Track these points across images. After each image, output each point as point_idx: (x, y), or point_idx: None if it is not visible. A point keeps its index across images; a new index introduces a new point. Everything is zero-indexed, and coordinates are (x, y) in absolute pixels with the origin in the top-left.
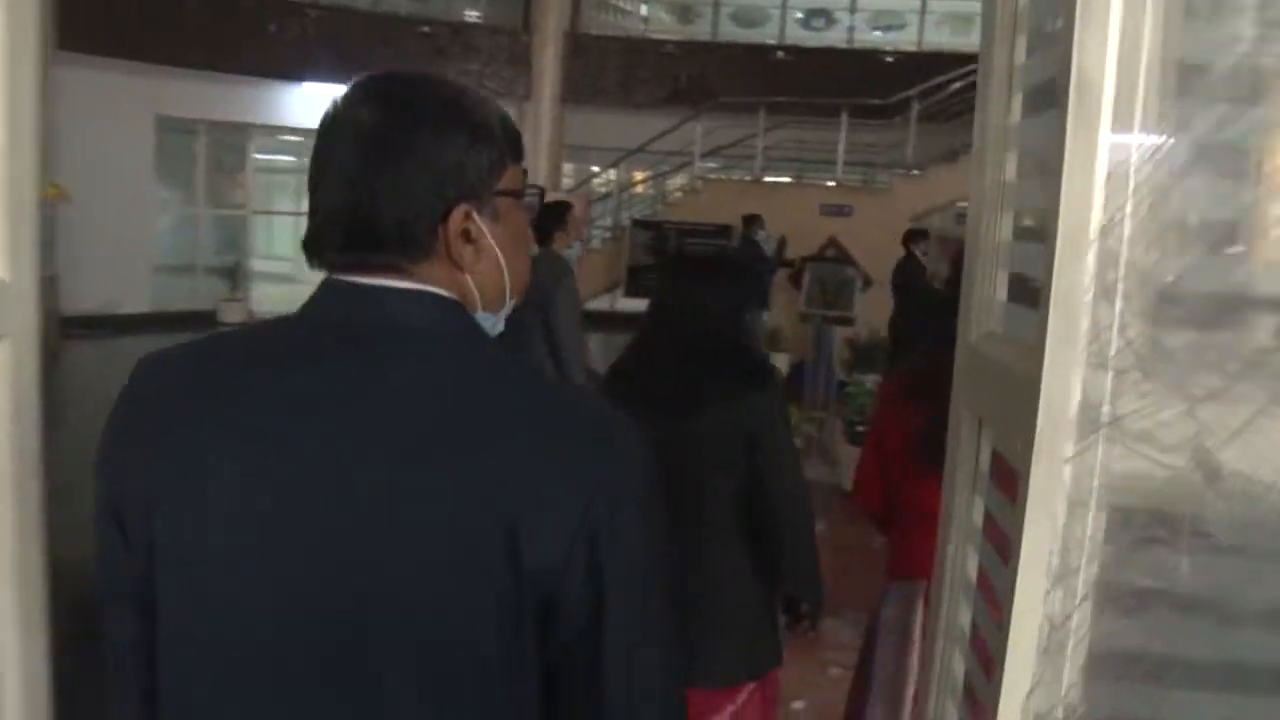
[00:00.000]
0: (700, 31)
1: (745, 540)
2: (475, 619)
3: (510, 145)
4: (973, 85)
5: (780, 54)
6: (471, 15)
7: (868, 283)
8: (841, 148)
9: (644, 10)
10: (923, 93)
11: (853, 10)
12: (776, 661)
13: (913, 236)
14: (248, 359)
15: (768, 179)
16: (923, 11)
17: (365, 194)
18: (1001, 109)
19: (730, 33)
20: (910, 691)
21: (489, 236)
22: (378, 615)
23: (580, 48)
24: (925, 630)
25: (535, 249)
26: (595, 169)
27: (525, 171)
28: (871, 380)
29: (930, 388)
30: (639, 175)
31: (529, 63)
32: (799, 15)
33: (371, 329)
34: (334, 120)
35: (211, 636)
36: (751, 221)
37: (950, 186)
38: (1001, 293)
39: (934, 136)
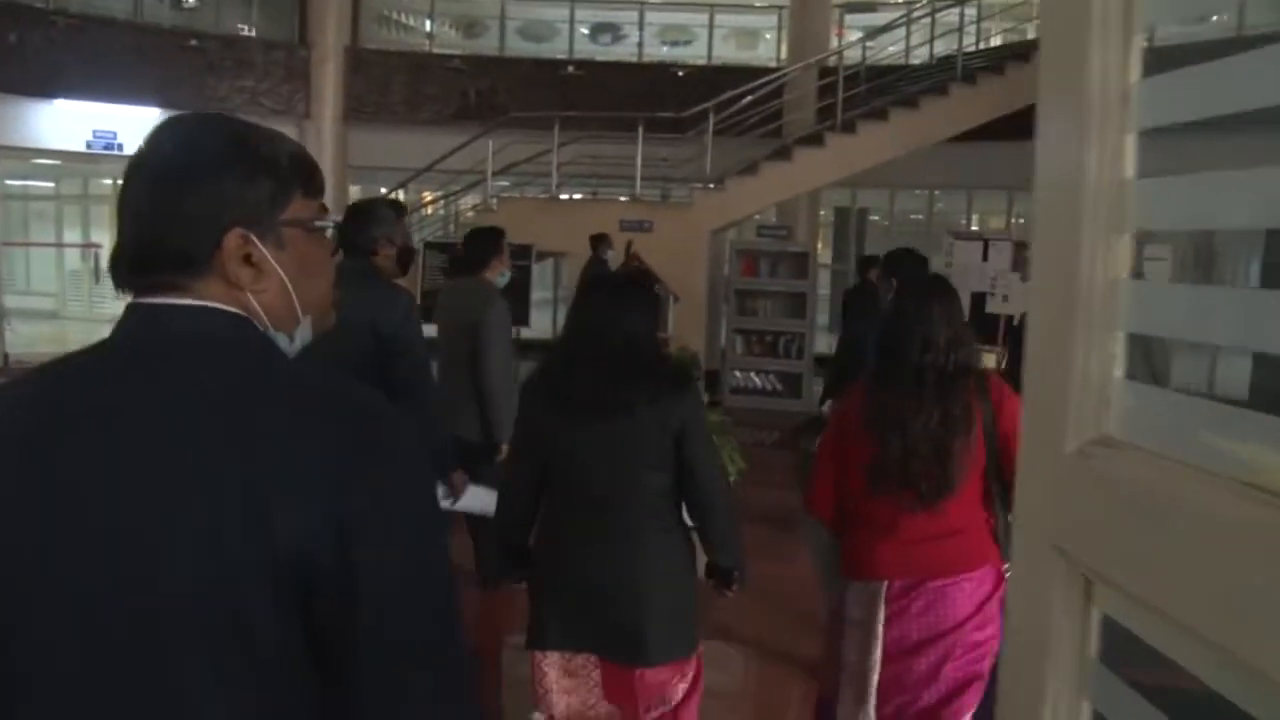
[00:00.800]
0: (488, 46)
1: (677, 530)
2: (238, 597)
3: (301, 179)
4: (766, 98)
5: (571, 69)
6: (243, 28)
7: (675, 298)
8: (639, 162)
9: (428, 25)
10: (718, 105)
11: (641, 25)
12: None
13: (867, 262)
14: (49, 383)
15: (564, 196)
16: (711, 26)
17: (151, 221)
18: (1106, 68)
19: (519, 48)
20: (875, 679)
21: (271, 260)
22: (160, 599)
23: (362, 64)
24: (887, 625)
25: (338, 274)
26: (383, 190)
27: (324, 206)
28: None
29: (881, 419)
30: (429, 195)
31: (308, 78)
32: (585, 30)
33: (154, 342)
34: (135, 157)
35: (18, 635)
36: (599, 241)
37: (749, 198)
38: (1119, 369)
39: (731, 149)
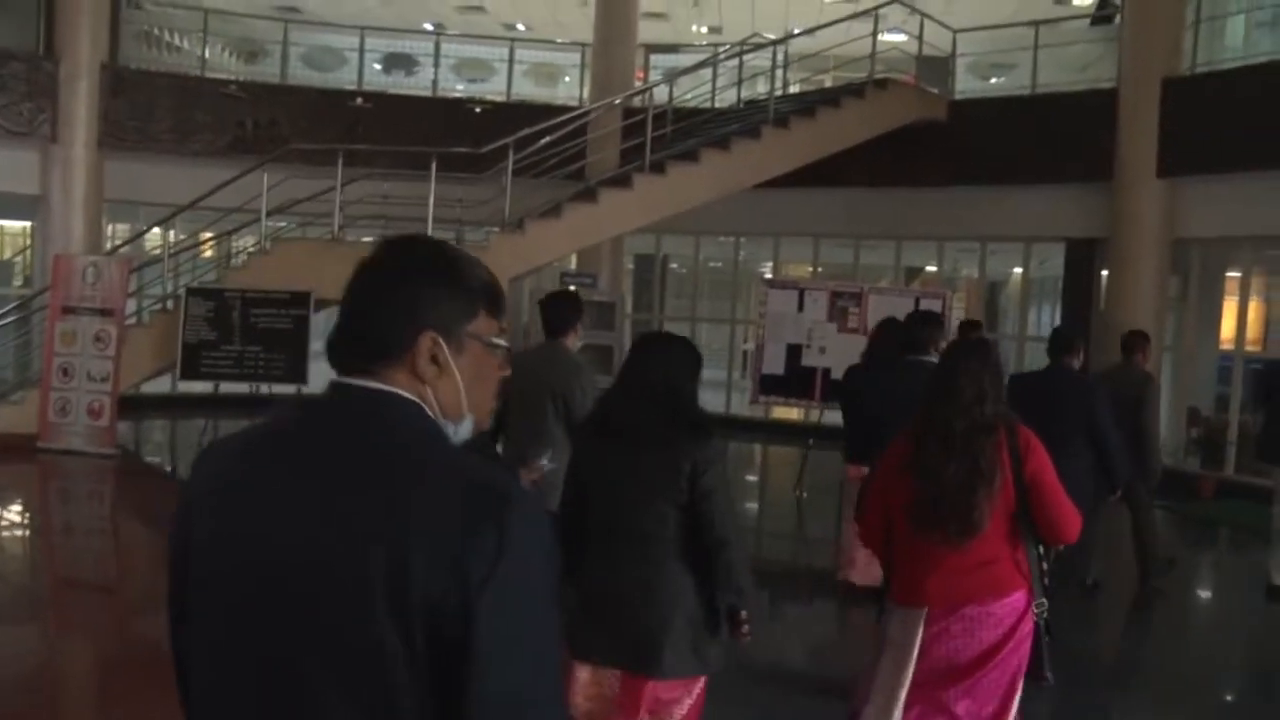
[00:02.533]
0: (268, 73)
1: (689, 556)
2: (376, 637)
3: (488, 301)
4: (568, 138)
5: (360, 100)
6: None
7: None
8: (431, 202)
9: (200, 47)
10: (518, 143)
11: (436, 57)
12: (720, 663)
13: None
14: (260, 440)
15: (351, 238)
16: (511, 61)
17: (362, 314)
18: None
19: (303, 76)
20: (903, 694)
21: (452, 363)
22: (311, 628)
23: (123, 84)
24: (928, 647)
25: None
26: (144, 227)
27: (502, 328)
28: None
29: (917, 467)
30: (203, 235)
31: (54, 97)
32: (376, 61)
33: (343, 415)
34: (362, 261)
35: (212, 639)
36: None
37: (551, 243)
38: None
39: (531, 191)
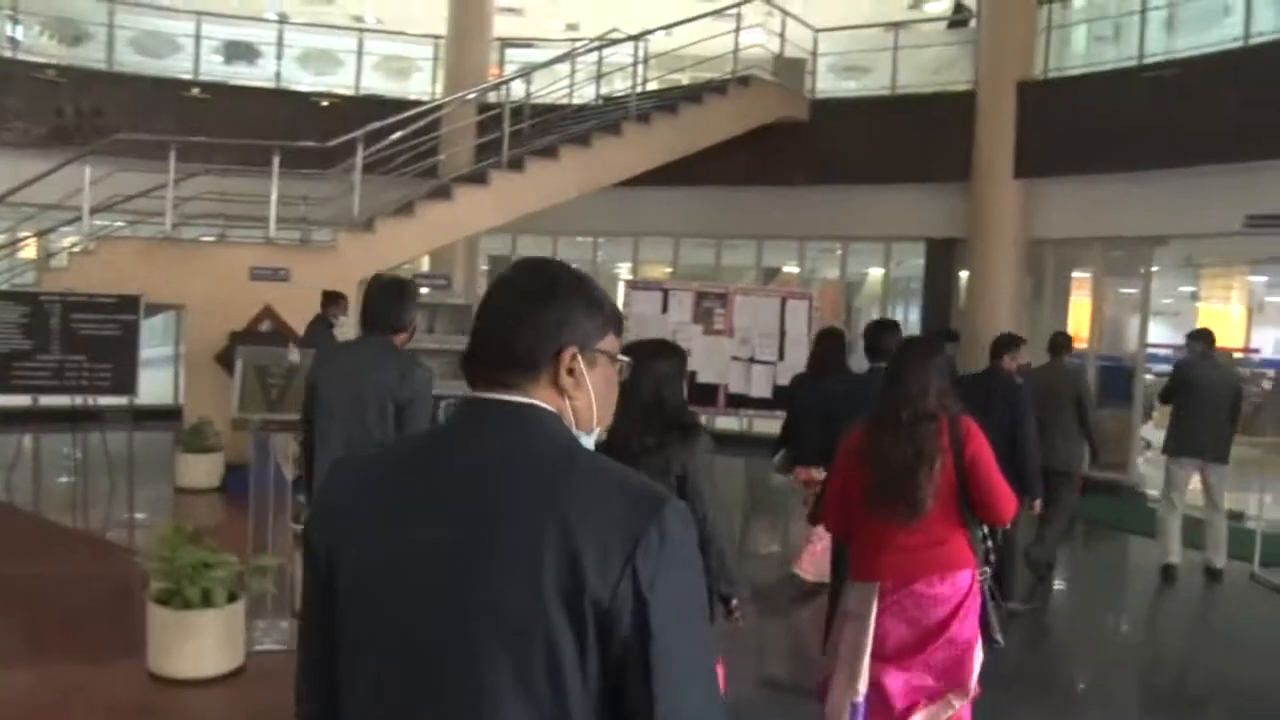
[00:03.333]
0: (92, 58)
1: None
2: (548, 628)
3: (614, 321)
4: (421, 133)
5: (196, 90)
6: None
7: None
8: (274, 199)
9: (11, 29)
10: (367, 137)
11: (280, 47)
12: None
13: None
14: (411, 450)
15: (186, 237)
16: (360, 52)
17: (505, 331)
18: None
19: (132, 62)
20: (866, 661)
21: (587, 377)
22: (479, 620)
23: None
24: (881, 618)
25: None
26: None
27: (620, 344)
28: None
29: (870, 454)
30: (21, 233)
31: None
32: (217, 51)
33: (492, 424)
34: (500, 280)
35: (370, 638)
36: (333, 302)
37: (404, 243)
38: None
39: (381, 188)
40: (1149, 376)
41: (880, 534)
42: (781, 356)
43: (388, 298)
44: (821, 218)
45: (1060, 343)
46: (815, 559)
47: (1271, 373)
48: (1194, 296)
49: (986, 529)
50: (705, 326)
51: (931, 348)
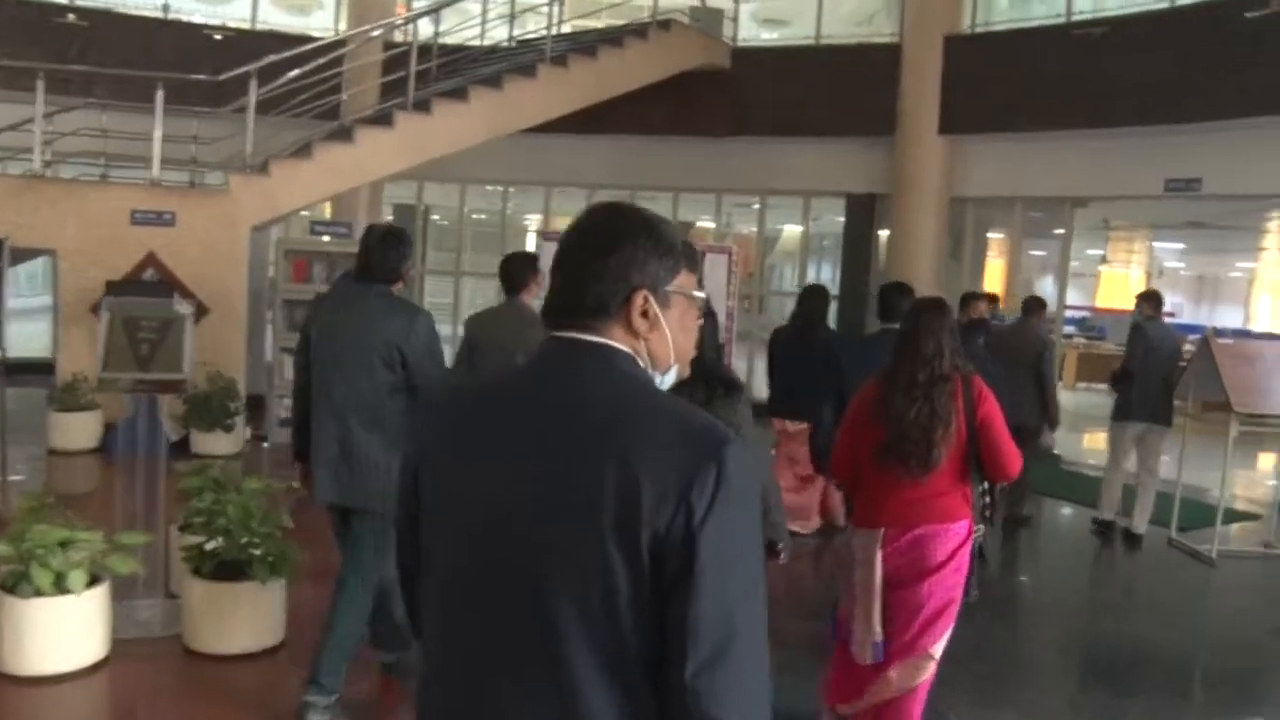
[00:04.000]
0: None
1: None
2: (606, 554)
3: (687, 260)
4: (322, 70)
5: (72, 17)
6: None
7: (202, 311)
8: (159, 136)
9: None
10: (262, 72)
11: None
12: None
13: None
14: (490, 389)
15: (60, 176)
16: None
17: (580, 278)
18: None
19: None
20: (878, 605)
21: (661, 317)
22: (543, 556)
23: None
24: (885, 561)
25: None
26: None
27: (700, 281)
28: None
29: (885, 411)
30: None
31: None
32: None
33: (571, 362)
34: (569, 230)
35: (452, 558)
36: None
37: (301, 188)
38: None
39: (279, 129)
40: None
41: (888, 486)
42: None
43: (385, 246)
44: (740, 170)
45: (1033, 306)
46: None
47: (1193, 338)
48: (1103, 259)
49: (986, 485)
50: None
51: (943, 308)
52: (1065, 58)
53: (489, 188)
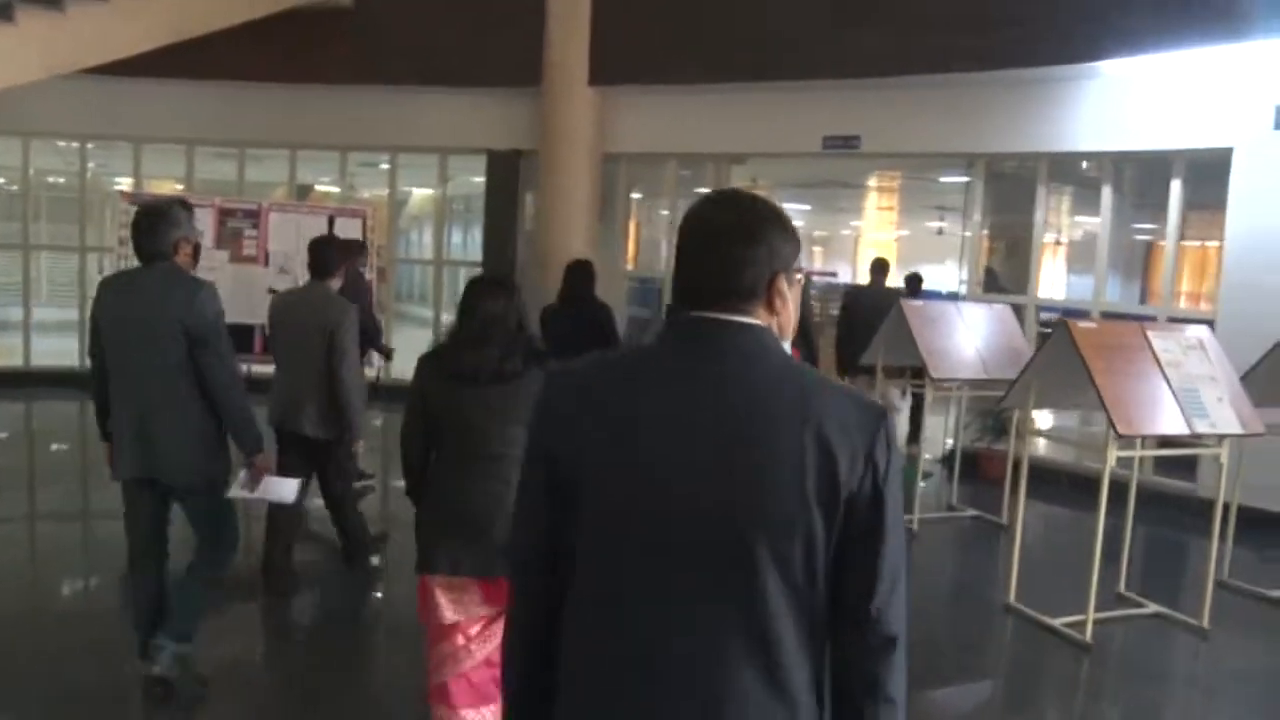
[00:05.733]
0: None
1: None
2: (808, 513)
3: (799, 245)
4: None
5: None
6: None
7: None
8: None
9: None
10: None
11: None
12: None
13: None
14: (638, 365)
15: None
16: None
17: (728, 265)
18: None
19: None
20: None
21: (789, 296)
22: (748, 517)
23: None
24: None
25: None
26: None
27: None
28: None
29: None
30: None
31: None
32: None
33: (718, 342)
34: (699, 221)
35: (629, 544)
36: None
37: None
38: None
39: None
40: None
41: None
42: None
43: (149, 223)
44: (367, 124)
45: (881, 266)
46: None
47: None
48: None
49: None
50: (232, 252)
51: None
52: (722, 8)
53: (62, 143)
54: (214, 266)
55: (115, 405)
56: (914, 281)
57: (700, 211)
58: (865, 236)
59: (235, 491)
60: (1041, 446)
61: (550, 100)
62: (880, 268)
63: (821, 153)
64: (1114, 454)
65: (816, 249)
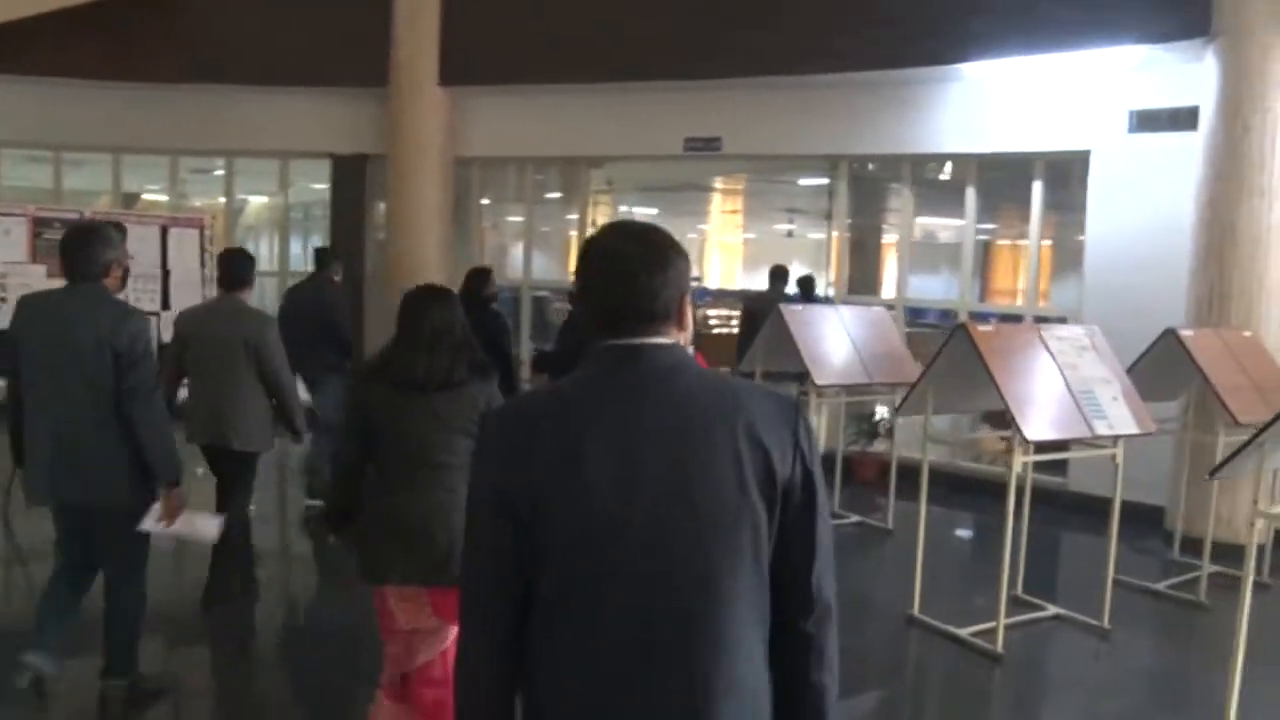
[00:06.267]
0: None
1: None
2: (751, 505)
3: (690, 261)
4: None
5: None
6: None
7: None
8: None
9: None
10: None
11: None
12: None
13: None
14: (575, 396)
15: None
16: None
17: (650, 291)
18: None
19: None
20: None
21: (690, 314)
22: (705, 518)
23: None
24: None
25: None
26: None
27: None
28: None
29: None
30: None
31: None
32: None
33: (656, 361)
34: (610, 251)
35: (599, 558)
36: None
37: None
38: None
39: None
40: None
41: None
42: (166, 305)
43: (79, 244)
44: (200, 127)
45: (780, 273)
46: None
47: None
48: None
49: None
50: (50, 267)
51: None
52: (579, 7)
53: None
54: (28, 283)
55: (32, 427)
56: (807, 284)
57: (608, 244)
58: (711, 239)
59: (149, 525)
60: (911, 446)
61: (398, 101)
62: (779, 274)
63: (683, 155)
64: (1020, 459)
65: None
